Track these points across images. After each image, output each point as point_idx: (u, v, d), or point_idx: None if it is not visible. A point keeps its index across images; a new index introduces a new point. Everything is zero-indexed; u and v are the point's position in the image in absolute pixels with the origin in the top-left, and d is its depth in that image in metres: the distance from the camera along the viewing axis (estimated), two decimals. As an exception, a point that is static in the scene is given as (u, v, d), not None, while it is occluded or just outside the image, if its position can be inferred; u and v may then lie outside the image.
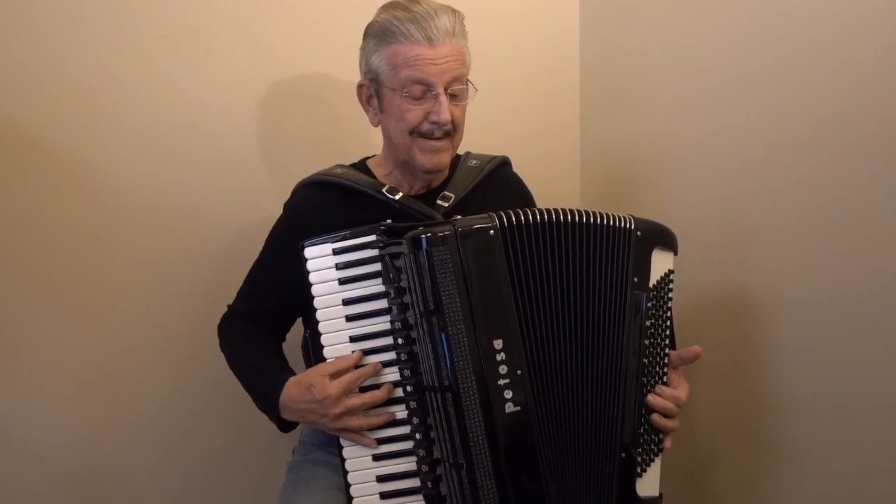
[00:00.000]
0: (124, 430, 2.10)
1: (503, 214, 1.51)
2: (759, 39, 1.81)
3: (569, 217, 1.55)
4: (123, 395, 2.09)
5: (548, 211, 1.54)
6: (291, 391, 1.62)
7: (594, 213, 1.57)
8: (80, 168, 1.98)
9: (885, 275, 1.60)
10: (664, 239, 1.64)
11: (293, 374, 1.68)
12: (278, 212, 1.86)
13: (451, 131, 1.72)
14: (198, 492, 2.19)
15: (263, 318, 1.84)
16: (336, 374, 1.57)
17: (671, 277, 1.63)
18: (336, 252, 1.59)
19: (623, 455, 1.57)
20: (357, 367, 1.58)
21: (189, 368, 2.13)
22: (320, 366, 1.60)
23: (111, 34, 1.98)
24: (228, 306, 1.89)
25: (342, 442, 1.60)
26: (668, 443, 1.62)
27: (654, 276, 1.61)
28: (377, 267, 1.57)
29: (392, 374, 1.57)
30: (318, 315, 1.59)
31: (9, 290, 1.96)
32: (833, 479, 1.77)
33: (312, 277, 1.60)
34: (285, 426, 1.72)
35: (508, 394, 1.48)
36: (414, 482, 1.57)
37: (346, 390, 1.56)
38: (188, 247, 2.10)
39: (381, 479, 1.58)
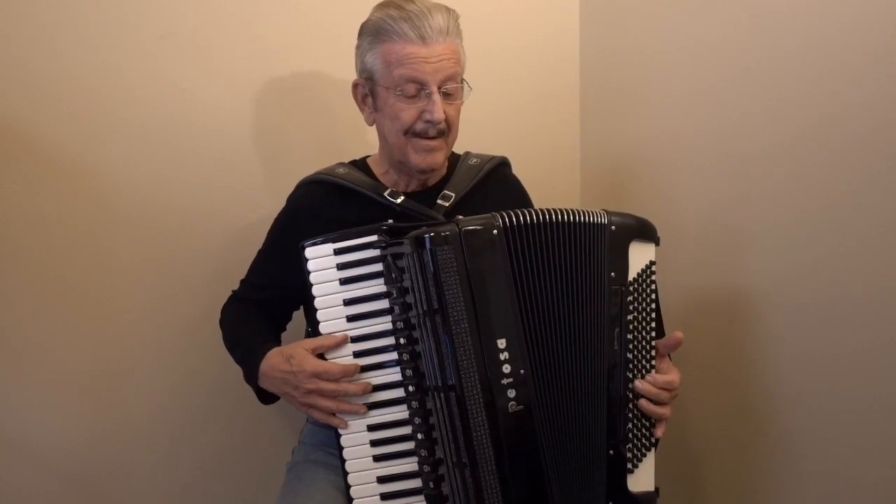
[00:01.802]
0: (124, 430, 2.10)
1: (506, 215, 1.51)
2: (759, 40, 1.81)
3: (557, 217, 1.55)
4: (123, 396, 2.09)
5: (542, 211, 1.55)
6: (272, 359, 1.63)
7: (570, 211, 1.56)
8: (80, 168, 1.98)
9: (883, 274, 1.60)
10: (641, 231, 1.62)
11: (279, 345, 1.69)
12: (278, 211, 1.87)
13: (446, 130, 1.73)
14: (198, 492, 2.19)
15: (264, 307, 1.86)
16: (319, 351, 1.59)
17: (653, 269, 1.62)
18: (337, 252, 1.58)
19: (611, 452, 1.57)
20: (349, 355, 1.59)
21: (189, 368, 2.13)
22: (304, 340, 1.61)
23: (111, 34, 1.98)
24: (233, 291, 1.92)
25: (342, 442, 1.59)
26: (659, 431, 1.61)
27: (634, 269, 1.60)
28: (379, 267, 1.56)
29: (394, 375, 1.57)
30: (319, 315, 1.59)
31: (9, 290, 1.96)
32: (828, 476, 1.77)
33: (313, 278, 1.60)
34: (265, 398, 1.73)
35: (512, 393, 1.47)
36: (415, 483, 1.57)
37: (322, 374, 1.56)
38: (188, 246, 2.10)
39: (382, 479, 1.57)
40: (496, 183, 1.90)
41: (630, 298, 1.58)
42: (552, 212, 1.55)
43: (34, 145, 1.94)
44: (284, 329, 1.93)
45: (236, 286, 1.92)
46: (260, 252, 1.90)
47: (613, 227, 1.59)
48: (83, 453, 2.06)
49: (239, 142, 2.11)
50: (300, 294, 1.76)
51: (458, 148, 1.86)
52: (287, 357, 1.60)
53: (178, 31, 2.03)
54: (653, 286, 1.62)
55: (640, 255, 1.61)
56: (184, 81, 2.05)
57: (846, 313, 1.69)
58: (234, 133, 2.10)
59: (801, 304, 1.78)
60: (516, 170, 1.97)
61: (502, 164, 1.94)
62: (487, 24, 2.27)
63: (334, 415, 1.58)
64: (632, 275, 1.59)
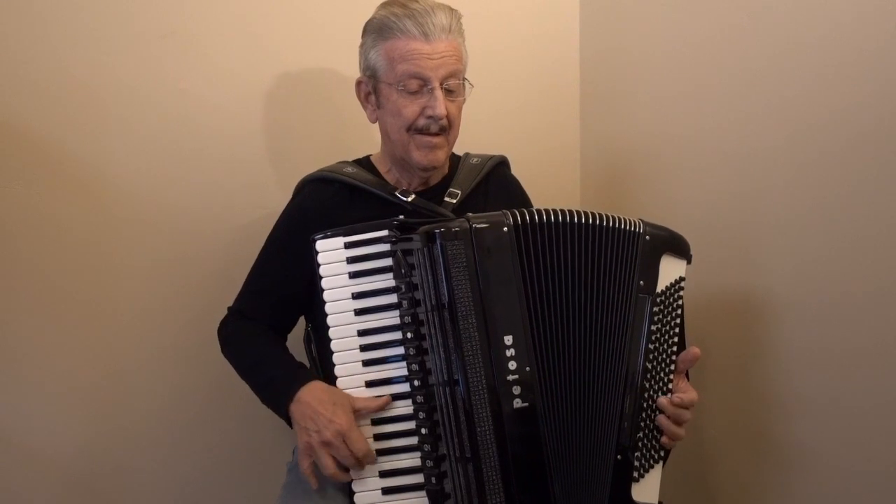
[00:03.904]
0: (125, 431, 2.09)
1: (517, 213, 1.52)
2: (759, 39, 1.82)
3: (580, 218, 1.56)
4: (124, 397, 2.08)
5: (560, 211, 1.55)
6: (317, 391, 1.60)
7: (604, 216, 1.57)
8: (80, 168, 1.98)
9: (891, 272, 1.60)
10: (675, 246, 1.64)
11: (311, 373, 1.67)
12: (280, 210, 1.86)
13: (447, 127, 1.74)
14: (198, 493, 2.18)
15: (265, 316, 1.83)
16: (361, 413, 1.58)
17: (682, 285, 1.63)
18: (348, 246, 1.60)
19: (618, 457, 1.56)
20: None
21: (190, 369, 2.13)
22: (356, 398, 1.58)
23: (111, 34, 1.98)
24: (228, 309, 1.88)
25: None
26: (665, 439, 1.61)
27: (663, 281, 1.61)
28: (388, 262, 1.58)
29: (400, 369, 1.58)
30: (327, 308, 1.60)
31: (9, 291, 1.95)
32: (841, 483, 1.75)
33: (323, 270, 1.60)
34: (285, 415, 1.67)
35: (517, 389, 1.48)
36: (417, 478, 1.57)
37: (349, 437, 1.55)
38: (189, 247, 2.10)
39: (384, 474, 1.58)
40: (496, 182, 1.92)
41: (656, 309, 1.59)
42: (568, 213, 1.56)
43: (34, 145, 1.94)
44: (286, 339, 1.89)
45: (237, 286, 1.88)
46: (259, 260, 1.87)
47: (648, 237, 1.60)
48: (83, 454, 2.05)
49: (240, 142, 2.11)
50: (304, 295, 1.76)
51: (459, 148, 1.87)
52: (332, 402, 1.57)
53: (179, 30, 2.03)
54: (679, 301, 1.63)
55: (670, 269, 1.62)
56: (184, 81, 2.05)
57: (854, 314, 1.68)
58: (235, 133, 2.11)
59: (805, 303, 1.78)
60: (517, 168, 1.99)
61: (502, 164, 1.96)
62: (488, 23, 2.30)
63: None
64: (660, 287, 1.60)
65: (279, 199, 1.89)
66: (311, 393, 1.60)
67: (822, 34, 1.68)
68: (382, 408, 1.57)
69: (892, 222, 1.58)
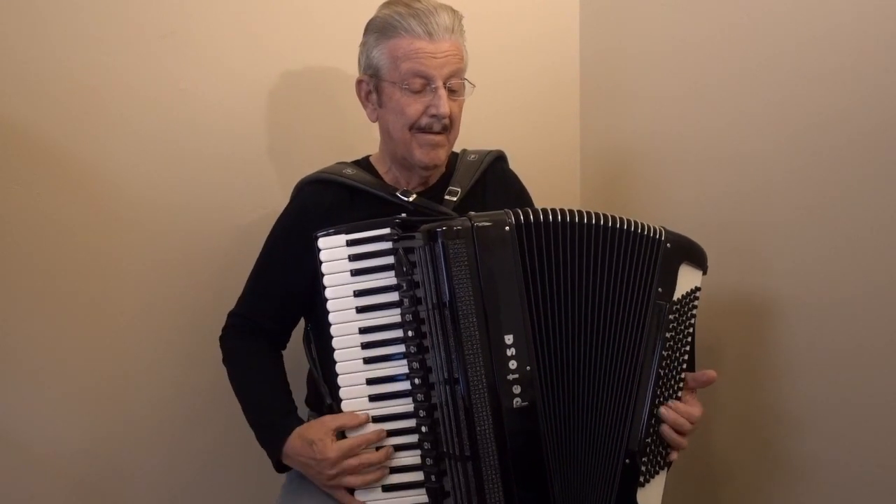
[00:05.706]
0: (125, 431, 2.08)
1: (519, 212, 1.52)
2: (759, 38, 1.83)
3: (587, 219, 1.56)
4: (124, 397, 2.08)
5: (565, 211, 1.55)
6: (295, 443, 1.63)
7: (623, 219, 1.58)
8: (81, 168, 1.98)
9: (892, 272, 1.60)
10: (694, 255, 1.65)
11: (300, 420, 1.69)
12: (279, 210, 1.86)
13: (449, 126, 1.74)
14: (198, 492, 2.18)
15: (267, 321, 1.83)
16: (341, 430, 1.59)
17: (697, 295, 1.64)
18: (350, 243, 1.60)
19: (626, 461, 1.57)
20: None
21: (190, 369, 2.12)
22: (326, 419, 1.60)
23: (111, 34, 1.97)
24: (230, 314, 1.88)
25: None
26: (673, 455, 1.62)
27: (680, 290, 1.61)
28: (390, 260, 1.58)
29: (400, 367, 1.58)
30: (329, 305, 1.60)
31: (8, 291, 1.94)
32: (849, 490, 1.74)
33: (325, 268, 1.60)
34: (282, 467, 1.71)
35: (517, 388, 1.48)
36: (417, 476, 1.57)
37: (346, 455, 1.56)
38: (189, 247, 2.09)
39: (384, 471, 1.59)
40: (494, 177, 1.92)
41: (671, 317, 1.59)
42: (575, 213, 1.56)
43: (34, 145, 1.93)
44: (285, 346, 1.90)
45: (237, 287, 1.88)
46: (259, 263, 1.86)
47: (668, 245, 1.61)
48: (83, 454, 2.04)
49: (241, 141, 2.11)
50: (305, 296, 1.76)
51: (458, 146, 1.87)
52: (309, 442, 1.59)
53: (179, 30, 2.03)
54: (693, 311, 1.64)
55: (687, 279, 1.63)
56: (184, 81, 2.04)
57: (855, 315, 1.68)
58: (236, 133, 2.10)
59: (808, 304, 1.78)
60: (517, 168, 1.99)
61: (499, 159, 1.96)
62: (489, 23, 2.30)
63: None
64: (677, 295, 1.61)
65: (280, 199, 1.88)
66: (292, 445, 1.64)
67: (822, 34, 1.68)
68: (362, 424, 1.58)
69: (893, 222, 1.58)
